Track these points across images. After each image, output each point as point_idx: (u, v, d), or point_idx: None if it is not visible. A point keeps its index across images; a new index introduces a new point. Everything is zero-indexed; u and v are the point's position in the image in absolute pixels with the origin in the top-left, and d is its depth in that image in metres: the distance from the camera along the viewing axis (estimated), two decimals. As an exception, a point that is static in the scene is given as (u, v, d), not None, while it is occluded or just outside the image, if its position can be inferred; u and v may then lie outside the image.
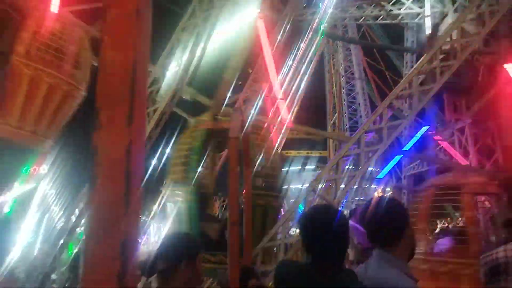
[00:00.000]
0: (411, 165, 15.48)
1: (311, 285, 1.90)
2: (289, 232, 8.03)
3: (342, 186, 7.19)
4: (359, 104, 25.26)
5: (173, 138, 7.89)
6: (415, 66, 7.79)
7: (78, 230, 6.75)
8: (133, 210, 0.73)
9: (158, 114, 7.54)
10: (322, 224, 1.98)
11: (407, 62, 17.22)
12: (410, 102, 7.27)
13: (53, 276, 7.00)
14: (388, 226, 2.18)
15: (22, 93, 4.10)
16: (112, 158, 0.75)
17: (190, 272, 2.24)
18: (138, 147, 0.75)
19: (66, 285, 6.11)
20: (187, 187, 7.36)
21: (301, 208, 7.78)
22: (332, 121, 23.91)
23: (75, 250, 6.72)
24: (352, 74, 25.06)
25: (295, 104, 11.10)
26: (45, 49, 4.34)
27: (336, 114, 23.63)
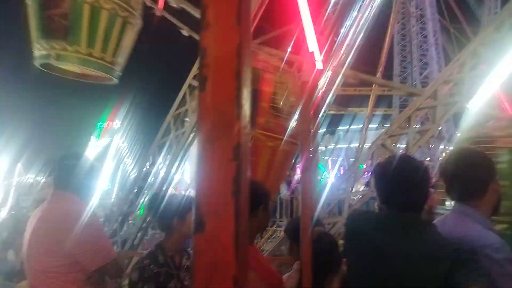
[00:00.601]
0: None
1: (388, 237, 1.80)
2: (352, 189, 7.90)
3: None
4: (421, 54, 23.27)
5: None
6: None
7: (151, 178, 7.26)
8: (244, 112, 0.67)
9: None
10: (401, 172, 1.85)
11: (490, 8, 15.30)
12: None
13: (130, 219, 7.69)
14: (471, 177, 1.97)
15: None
16: (222, 58, 0.69)
17: (265, 216, 2.30)
18: (247, 46, 0.69)
19: (143, 225, 6.68)
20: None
21: (361, 167, 7.57)
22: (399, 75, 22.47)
23: (149, 195, 7.27)
24: (424, 24, 22.98)
25: (351, 52, 10.37)
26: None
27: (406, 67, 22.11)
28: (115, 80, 4.79)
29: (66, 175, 2.57)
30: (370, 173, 7.61)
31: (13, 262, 9.42)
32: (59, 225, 2.37)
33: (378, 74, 14.05)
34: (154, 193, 4.33)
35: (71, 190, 2.58)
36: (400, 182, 1.81)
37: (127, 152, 33.82)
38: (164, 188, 6.65)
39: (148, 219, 6.48)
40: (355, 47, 10.33)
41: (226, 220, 0.65)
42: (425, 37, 23.33)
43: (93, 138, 36.20)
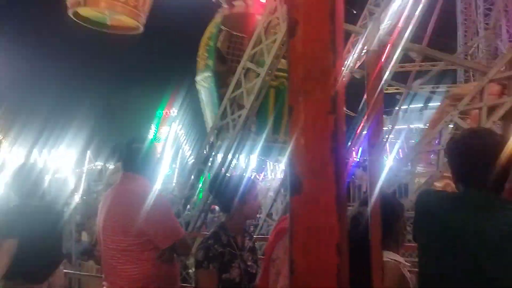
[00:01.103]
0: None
1: (466, 218, 1.62)
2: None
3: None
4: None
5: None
6: None
7: (210, 161, 7.40)
8: (340, 62, 0.57)
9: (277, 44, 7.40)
10: (482, 147, 1.64)
11: None
12: None
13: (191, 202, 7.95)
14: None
15: None
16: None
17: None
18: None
19: (205, 207, 6.86)
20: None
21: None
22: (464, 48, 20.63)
23: (209, 178, 7.46)
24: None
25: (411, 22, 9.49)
26: None
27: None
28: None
29: (134, 158, 2.64)
30: (433, 153, 7.15)
31: (86, 242, 10.21)
32: (131, 206, 2.44)
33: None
34: (214, 174, 4.42)
35: (139, 172, 2.65)
36: (480, 157, 1.62)
37: (185, 139, 35.04)
38: (223, 171, 6.75)
39: (208, 202, 6.66)
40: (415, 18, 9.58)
41: (325, 181, 0.57)
42: (492, 4, 21.05)
43: (153, 126, 38.03)
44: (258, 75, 7.33)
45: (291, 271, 0.56)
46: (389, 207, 1.96)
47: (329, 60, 0.60)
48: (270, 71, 7.20)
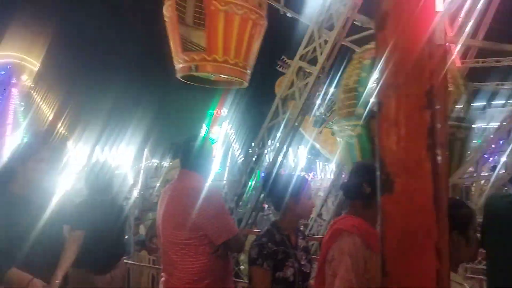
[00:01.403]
0: None
1: None
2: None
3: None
4: None
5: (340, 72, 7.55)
6: None
7: (261, 160, 7.42)
8: (441, 62, 0.54)
9: (330, 44, 7.25)
10: None
11: None
12: None
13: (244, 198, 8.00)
14: None
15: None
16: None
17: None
18: None
19: (256, 205, 6.90)
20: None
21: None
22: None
23: (262, 176, 7.44)
24: None
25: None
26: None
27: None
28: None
29: (191, 155, 2.71)
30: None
31: (143, 235, 10.70)
32: (188, 202, 2.50)
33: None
34: (267, 173, 4.42)
35: (196, 169, 2.71)
36: None
37: (235, 138, 35.58)
38: (275, 169, 6.74)
39: (260, 199, 6.69)
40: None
41: (421, 179, 0.54)
42: None
43: (204, 125, 39.08)
44: (310, 74, 7.25)
45: (384, 274, 0.53)
46: (460, 213, 1.85)
47: (424, 52, 0.56)
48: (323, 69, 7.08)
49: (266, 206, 10.03)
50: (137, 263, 5.71)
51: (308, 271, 2.49)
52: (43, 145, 2.99)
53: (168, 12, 4.62)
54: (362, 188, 2.33)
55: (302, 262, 2.50)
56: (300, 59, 7.39)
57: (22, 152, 2.63)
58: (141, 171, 18.71)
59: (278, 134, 7.18)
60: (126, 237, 4.88)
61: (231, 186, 9.12)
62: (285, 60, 13.23)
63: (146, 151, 24.03)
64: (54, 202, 2.65)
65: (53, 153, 2.68)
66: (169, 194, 2.66)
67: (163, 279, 2.66)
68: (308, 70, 7.27)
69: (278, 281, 2.28)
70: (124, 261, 4.49)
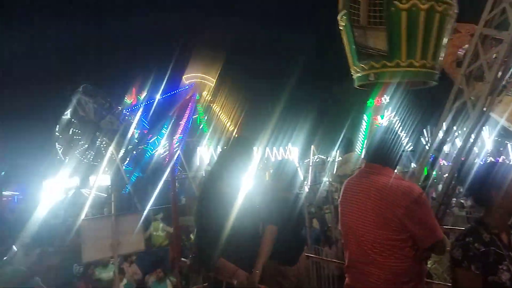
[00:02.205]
0: None
1: None
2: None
3: None
4: None
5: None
6: None
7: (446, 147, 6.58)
8: None
9: None
10: None
11: None
12: None
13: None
14: None
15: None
16: None
17: None
18: None
19: (444, 199, 6.19)
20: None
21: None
22: None
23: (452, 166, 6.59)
24: None
25: None
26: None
27: None
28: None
29: (383, 149, 2.60)
30: None
31: (317, 229, 11.00)
32: (395, 200, 2.39)
33: None
34: (461, 162, 3.87)
35: (389, 164, 2.59)
36: None
37: (400, 126, 33.24)
38: (463, 158, 5.89)
39: (448, 192, 5.94)
40: None
41: None
42: None
43: (364, 116, 37.72)
44: (500, 41, 6.06)
45: None
46: None
47: None
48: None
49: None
50: (315, 256, 5.88)
51: (527, 276, 2.14)
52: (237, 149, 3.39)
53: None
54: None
55: (519, 266, 2.18)
56: (485, 26, 6.26)
57: (224, 156, 3.02)
58: (310, 167, 19.38)
59: (462, 118, 6.24)
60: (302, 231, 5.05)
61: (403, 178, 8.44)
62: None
63: (312, 147, 24.75)
64: (251, 199, 2.96)
65: (244, 155, 2.99)
66: (367, 190, 2.57)
67: (350, 276, 2.61)
68: (498, 37, 6.07)
69: (490, 286, 2.08)
70: (311, 255, 4.66)
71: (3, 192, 21.05)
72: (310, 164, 21.16)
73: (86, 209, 10.36)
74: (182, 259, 3.52)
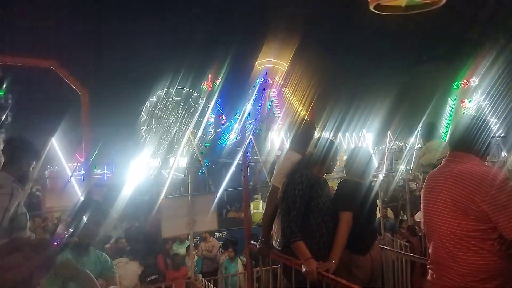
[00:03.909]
0: None
1: None
2: None
3: None
4: None
5: None
6: None
7: None
8: None
9: None
10: None
11: None
12: None
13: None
14: None
15: None
16: None
17: None
18: None
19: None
20: None
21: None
22: None
23: None
24: None
25: None
26: None
27: None
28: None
29: (468, 135, 2.40)
30: None
31: (392, 220, 10.51)
32: (473, 187, 2.19)
33: None
34: None
35: (474, 151, 2.38)
36: None
37: (491, 110, 30.10)
38: None
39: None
40: None
41: None
42: None
43: (449, 100, 34.79)
44: None
45: None
46: None
47: None
48: None
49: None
50: (387, 248, 5.63)
51: None
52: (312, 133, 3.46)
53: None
54: None
55: None
56: None
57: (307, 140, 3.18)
58: (386, 154, 18.46)
59: None
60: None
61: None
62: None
63: (389, 133, 23.56)
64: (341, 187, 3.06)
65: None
66: (445, 179, 2.40)
67: (432, 272, 2.46)
68: None
69: None
70: (385, 247, 4.48)
71: (95, 170, 23.40)
72: (386, 151, 20.16)
73: (165, 188, 11.12)
74: (252, 242, 3.61)
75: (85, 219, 2.36)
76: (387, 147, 21.37)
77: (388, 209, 11.45)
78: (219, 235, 8.72)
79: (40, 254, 0.76)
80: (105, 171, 27.35)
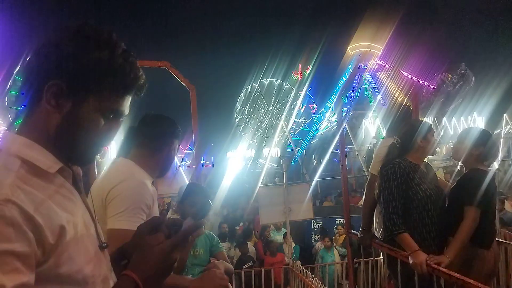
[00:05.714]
0: None
1: None
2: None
3: None
4: None
5: None
6: None
7: None
8: None
9: None
10: None
11: None
12: None
13: None
14: None
15: None
16: None
17: None
18: None
19: None
20: None
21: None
22: None
23: None
24: None
25: None
26: None
27: None
28: None
29: None
30: None
31: (510, 212, 9.29)
32: None
33: None
34: None
35: None
36: None
37: None
38: None
39: None
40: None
41: None
42: None
43: None
44: None
45: None
46: None
47: None
48: None
49: None
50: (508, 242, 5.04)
51: None
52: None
53: None
54: None
55: None
56: None
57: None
58: (501, 139, 16.24)
59: None
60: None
61: None
62: None
63: (505, 116, 20.79)
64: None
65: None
66: None
67: None
68: None
69: None
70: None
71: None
72: (502, 136, 17.75)
73: (261, 177, 11.46)
74: (353, 231, 3.53)
75: (194, 200, 2.59)
76: (502, 131, 18.88)
77: (506, 200, 10.21)
78: (314, 226, 8.69)
79: (177, 234, 0.85)
80: (204, 161, 29.13)
